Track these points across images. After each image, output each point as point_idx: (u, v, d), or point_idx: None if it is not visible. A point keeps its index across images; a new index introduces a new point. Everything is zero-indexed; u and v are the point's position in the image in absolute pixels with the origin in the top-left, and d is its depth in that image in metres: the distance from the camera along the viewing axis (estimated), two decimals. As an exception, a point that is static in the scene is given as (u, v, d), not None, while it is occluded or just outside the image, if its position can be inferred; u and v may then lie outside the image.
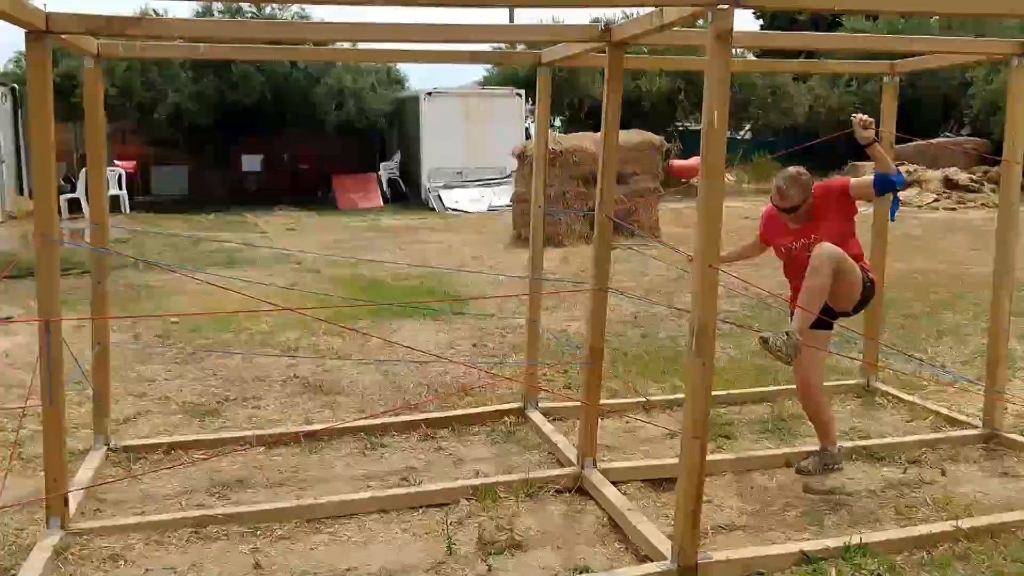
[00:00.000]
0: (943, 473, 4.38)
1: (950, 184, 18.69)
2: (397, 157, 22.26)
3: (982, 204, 18.07)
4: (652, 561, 3.40)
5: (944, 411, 5.22)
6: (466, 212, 19.38)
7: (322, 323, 7.73)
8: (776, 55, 12.74)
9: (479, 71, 26.61)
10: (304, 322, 7.70)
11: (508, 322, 8.05)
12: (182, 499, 4.18)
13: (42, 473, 3.74)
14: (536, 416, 5.13)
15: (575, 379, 5.98)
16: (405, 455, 4.77)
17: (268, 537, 3.78)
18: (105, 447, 4.61)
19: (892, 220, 5.22)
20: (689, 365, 3.25)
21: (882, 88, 5.71)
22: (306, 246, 13.17)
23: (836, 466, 4.23)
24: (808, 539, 3.61)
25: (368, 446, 4.86)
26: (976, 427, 4.88)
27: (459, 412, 5.25)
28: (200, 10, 17.32)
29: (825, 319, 4.05)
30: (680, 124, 26.93)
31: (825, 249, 3.94)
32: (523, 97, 21.68)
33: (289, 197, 20.63)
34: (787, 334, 3.84)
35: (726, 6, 3.08)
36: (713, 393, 5.40)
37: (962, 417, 5.12)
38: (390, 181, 21.83)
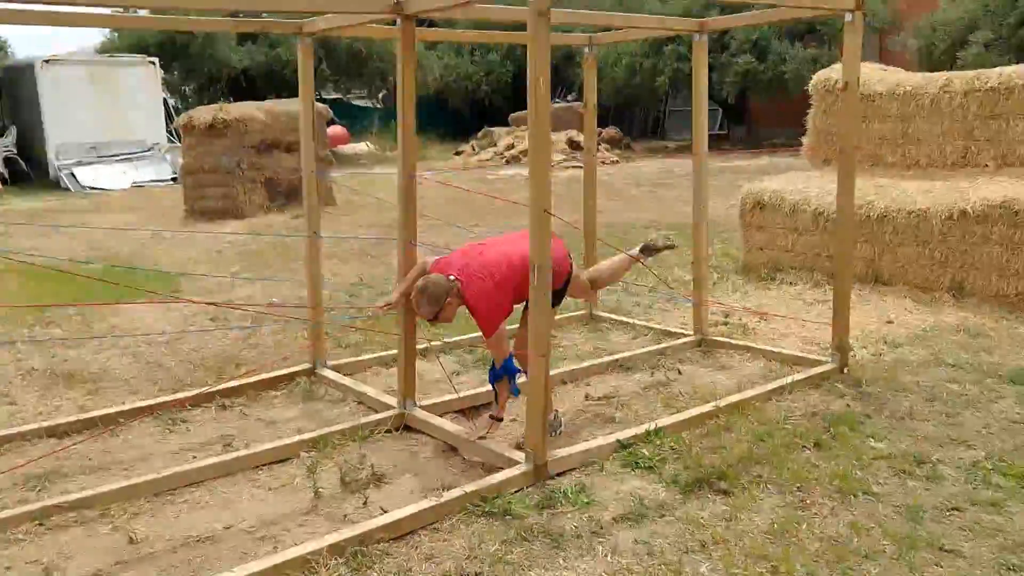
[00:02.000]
0: (679, 372, 5.44)
1: (574, 145, 21.06)
2: (13, 132, 19.84)
3: (601, 162, 20.66)
4: (508, 468, 3.93)
5: (657, 326, 6.35)
6: (107, 190, 17.98)
7: (33, 313, 7.13)
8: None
9: (96, 35, 24.38)
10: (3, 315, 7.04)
11: (231, 295, 7.98)
12: (-6, 500, 3.89)
13: None
14: (330, 373, 5.38)
15: (343, 338, 6.27)
16: (213, 426, 4.78)
17: (123, 516, 3.71)
18: None
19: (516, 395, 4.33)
20: (531, 295, 3.81)
21: (583, 59, 6.59)
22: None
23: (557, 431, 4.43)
24: (612, 433, 4.37)
25: (170, 423, 4.79)
26: (688, 335, 6.03)
27: (251, 379, 5.31)
28: None
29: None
30: (318, 92, 27.03)
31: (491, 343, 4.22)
32: (157, 65, 20.44)
33: None
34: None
35: (545, -13, 3.63)
36: (475, 334, 6.05)
37: (673, 328, 6.29)
38: (7, 160, 19.41)
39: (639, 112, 29.80)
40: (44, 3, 3.94)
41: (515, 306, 4.27)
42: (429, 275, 4.18)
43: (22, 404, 5.14)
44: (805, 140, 8.82)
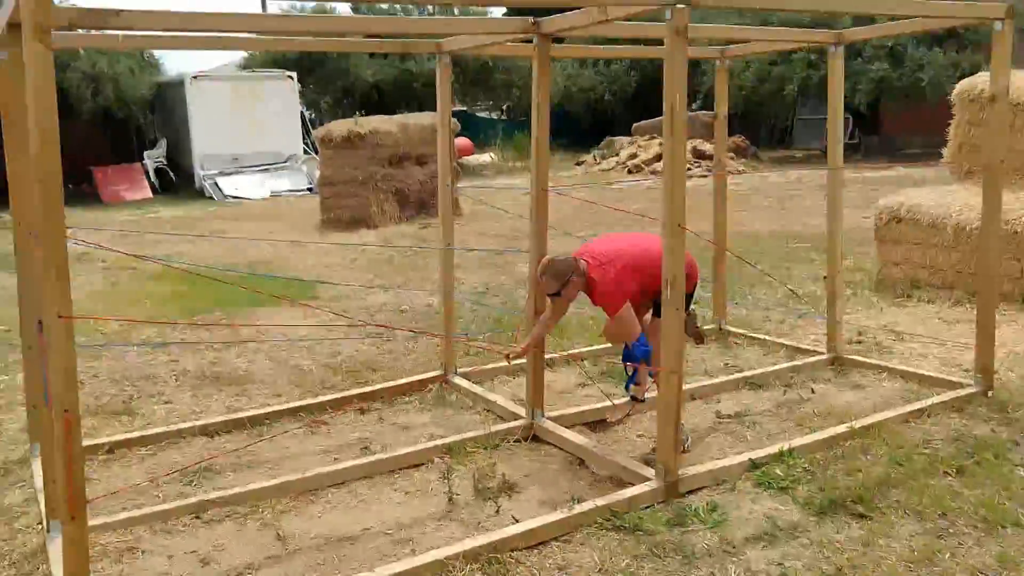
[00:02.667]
0: (812, 391, 5.32)
1: (699, 154, 20.80)
2: (163, 144, 21.14)
3: (728, 171, 20.33)
4: (636, 484, 3.96)
5: (790, 343, 6.23)
6: (247, 199, 18.91)
7: (183, 316, 7.60)
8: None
9: (237, 52, 25.68)
10: (156, 318, 7.53)
11: (365, 302, 8.29)
12: (155, 492, 4.18)
13: None
14: (460, 381, 5.53)
15: (471, 347, 6.41)
16: (351, 429, 5.00)
17: (271, 512, 3.93)
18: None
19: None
20: (664, 311, 3.83)
21: (716, 71, 6.55)
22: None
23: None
24: (743, 452, 4.33)
25: (314, 425, 5.03)
26: (821, 353, 5.90)
27: (386, 385, 5.51)
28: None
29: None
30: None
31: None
32: (295, 79, 21.36)
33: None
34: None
35: (683, 5, 3.66)
36: (597, 346, 6.08)
37: (805, 346, 6.16)
38: (158, 170, 20.71)
39: (766, 120, 29.13)
40: (208, 30, 4.22)
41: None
42: (556, 254, 4.40)
43: (177, 403, 5.50)
44: (946, 151, 8.46)
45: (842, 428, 4.51)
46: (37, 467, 4.23)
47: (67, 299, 2.60)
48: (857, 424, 4.54)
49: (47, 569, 3.41)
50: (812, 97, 24.24)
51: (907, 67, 21.07)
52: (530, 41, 4.58)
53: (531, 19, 4.47)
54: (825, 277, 8.24)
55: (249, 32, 4.65)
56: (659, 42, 3.87)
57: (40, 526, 3.78)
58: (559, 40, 8.25)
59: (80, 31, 3.73)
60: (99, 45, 9.60)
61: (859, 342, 6.26)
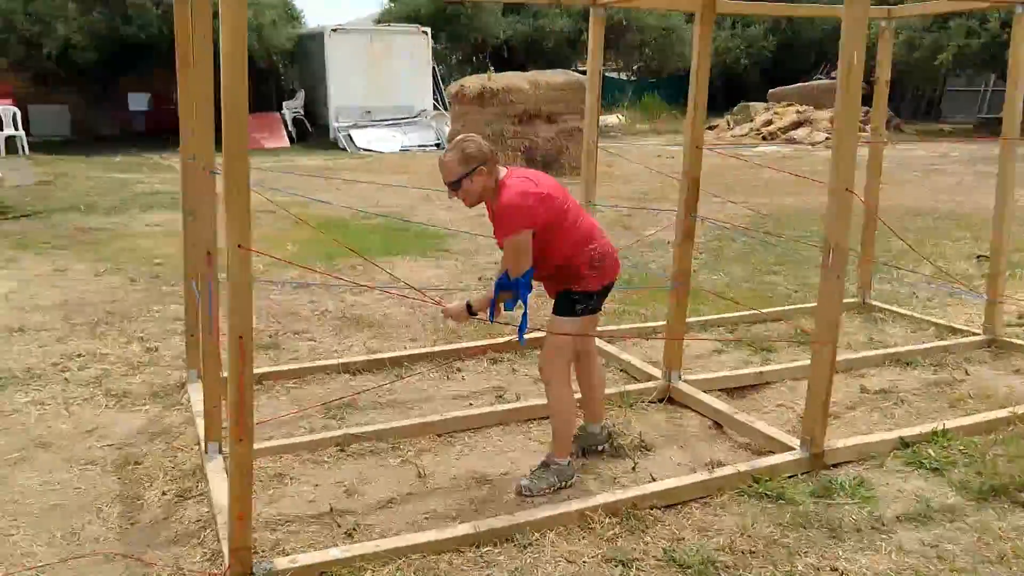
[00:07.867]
0: (967, 373, 5.05)
1: (838, 124, 19.93)
2: (301, 95, 21.75)
3: (866, 142, 19.43)
4: (775, 453, 3.85)
5: (941, 322, 5.92)
6: (379, 152, 19.27)
7: (323, 261, 7.82)
8: None
9: (372, 5, 26.08)
10: (298, 261, 7.78)
11: (493, 256, 8.33)
12: (301, 424, 4.33)
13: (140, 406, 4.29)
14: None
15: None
16: (485, 377, 5.05)
17: (411, 451, 4.01)
18: (199, 379, 4.65)
19: (522, 343, 4.18)
20: (824, 279, 3.68)
21: (878, 33, 6.22)
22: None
23: (567, 484, 3.64)
24: (892, 429, 4.15)
25: (447, 370, 5.11)
26: (977, 334, 5.58)
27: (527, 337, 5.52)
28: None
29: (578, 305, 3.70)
30: (575, 65, 27.42)
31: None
32: (429, 35, 21.55)
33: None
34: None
35: (867, -44, 3.46)
36: (734, 313, 5.93)
37: (957, 325, 5.84)
38: (295, 120, 21.34)
39: (912, 91, 27.67)
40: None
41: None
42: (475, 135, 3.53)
43: (319, 341, 5.68)
44: None
45: (1003, 413, 4.27)
46: (194, 392, 4.47)
47: (247, 231, 2.69)
48: (1019, 410, 4.28)
49: (204, 487, 3.59)
50: (968, 67, 22.82)
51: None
52: (691, -7, 4.45)
53: (695, -32, 4.32)
54: (980, 256, 7.88)
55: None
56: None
57: (197, 447, 3.97)
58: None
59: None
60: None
61: (1020, 325, 5.89)
